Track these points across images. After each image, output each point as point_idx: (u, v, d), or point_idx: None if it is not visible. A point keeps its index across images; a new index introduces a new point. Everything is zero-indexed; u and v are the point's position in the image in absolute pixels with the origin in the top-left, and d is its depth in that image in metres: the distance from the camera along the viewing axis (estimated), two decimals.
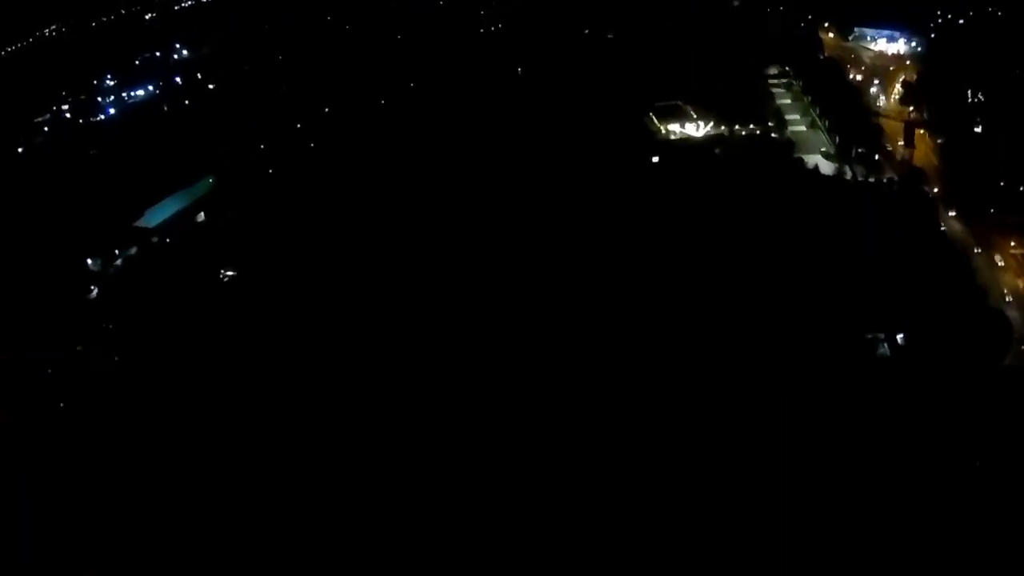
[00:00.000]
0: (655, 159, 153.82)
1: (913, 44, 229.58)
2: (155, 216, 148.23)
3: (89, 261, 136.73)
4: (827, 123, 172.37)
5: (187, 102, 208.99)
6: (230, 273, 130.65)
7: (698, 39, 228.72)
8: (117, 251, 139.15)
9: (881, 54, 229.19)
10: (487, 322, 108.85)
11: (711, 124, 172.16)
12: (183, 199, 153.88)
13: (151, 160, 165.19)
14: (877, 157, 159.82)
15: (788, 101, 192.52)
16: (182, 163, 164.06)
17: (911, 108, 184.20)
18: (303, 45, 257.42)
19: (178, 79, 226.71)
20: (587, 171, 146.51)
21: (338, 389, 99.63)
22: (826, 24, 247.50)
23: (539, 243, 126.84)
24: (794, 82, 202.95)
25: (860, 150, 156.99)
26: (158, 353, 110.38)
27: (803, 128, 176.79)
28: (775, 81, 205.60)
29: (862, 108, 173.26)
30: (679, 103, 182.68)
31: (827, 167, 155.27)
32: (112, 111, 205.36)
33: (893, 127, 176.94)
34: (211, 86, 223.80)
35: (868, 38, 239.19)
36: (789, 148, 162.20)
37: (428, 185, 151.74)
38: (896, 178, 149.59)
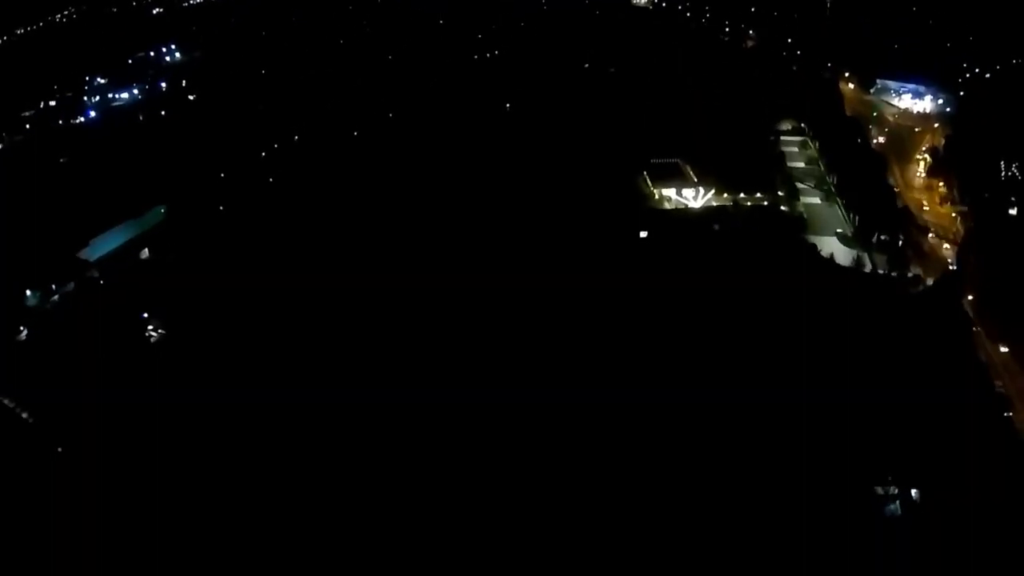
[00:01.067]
0: (644, 234, 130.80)
1: (940, 102, 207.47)
2: (101, 246, 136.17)
3: (28, 292, 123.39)
4: (844, 199, 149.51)
5: (163, 112, 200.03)
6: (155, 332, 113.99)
7: (705, 83, 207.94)
8: (54, 286, 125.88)
9: (906, 112, 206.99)
10: None
11: (712, 192, 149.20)
12: (131, 229, 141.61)
13: (113, 178, 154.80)
14: (901, 243, 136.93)
15: (801, 164, 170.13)
16: (141, 185, 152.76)
17: (940, 184, 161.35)
18: (293, 59, 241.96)
19: (163, 84, 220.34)
20: (567, 249, 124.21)
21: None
22: (846, 73, 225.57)
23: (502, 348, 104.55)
24: (809, 142, 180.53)
25: (883, 237, 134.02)
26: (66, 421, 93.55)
27: (817, 200, 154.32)
28: (788, 138, 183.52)
29: (885, 184, 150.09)
30: (678, 162, 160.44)
31: (843, 254, 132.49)
32: (92, 114, 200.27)
33: (920, 204, 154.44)
34: (191, 96, 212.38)
35: (892, 92, 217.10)
36: (800, 227, 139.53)
37: (390, 250, 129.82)
38: (924, 277, 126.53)
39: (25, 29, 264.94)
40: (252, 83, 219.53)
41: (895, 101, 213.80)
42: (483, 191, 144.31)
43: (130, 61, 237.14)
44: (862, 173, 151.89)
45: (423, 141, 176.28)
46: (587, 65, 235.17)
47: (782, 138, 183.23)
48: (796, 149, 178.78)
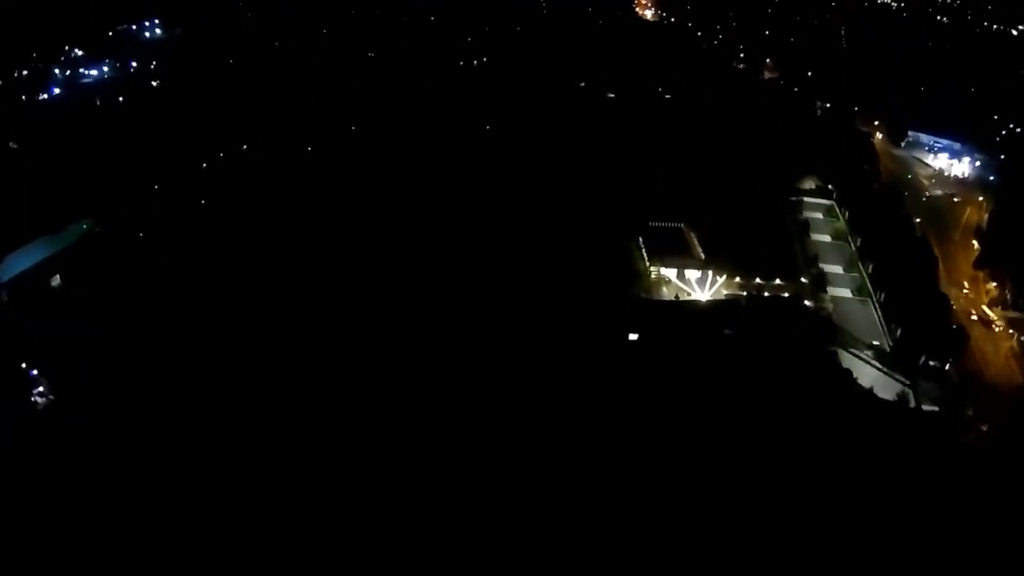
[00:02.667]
0: (633, 336, 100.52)
1: (978, 164, 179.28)
2: (14, 264, 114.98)
3: None
4: (881, 296, 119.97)
5: (120, 99, 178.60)
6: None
7: (715, 119, 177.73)
8: None
9: (942, 176, 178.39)
10: None
11: (723, 278, 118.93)
12: (47, 247, 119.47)
13: (46, 178, 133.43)
14: (948, 367, 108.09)
15: (828, 238, 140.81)
16: (72, 190, 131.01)
17: (990, 282, 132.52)
18: (271, 49, 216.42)
19: (133, 63, 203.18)
20: (531, 357, 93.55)
21: None
22: (875, 122, 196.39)
23: None
24: (836, 209, 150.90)
25: (931, 363, 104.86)
26: None
27: (848, 292, 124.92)
28: (811, 200, 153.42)
29: (934, 286, 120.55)
30: (681, 227, 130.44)
31: (882, 383, 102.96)
32: (56, 90, 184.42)
33: (967, 311, 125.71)
34: (154, 83, 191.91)
35: (924, 147, 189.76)
36: (830, 333, 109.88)
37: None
38: (980, 425, 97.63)
39: None
40: (223, 73, 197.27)
41: (929, 159, 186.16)
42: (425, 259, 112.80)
43: (111, 34, 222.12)
44: (903, 266, 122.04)
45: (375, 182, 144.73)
46: (582, 84, 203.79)
47: (805, 199, 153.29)
48: (821, 216, 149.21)
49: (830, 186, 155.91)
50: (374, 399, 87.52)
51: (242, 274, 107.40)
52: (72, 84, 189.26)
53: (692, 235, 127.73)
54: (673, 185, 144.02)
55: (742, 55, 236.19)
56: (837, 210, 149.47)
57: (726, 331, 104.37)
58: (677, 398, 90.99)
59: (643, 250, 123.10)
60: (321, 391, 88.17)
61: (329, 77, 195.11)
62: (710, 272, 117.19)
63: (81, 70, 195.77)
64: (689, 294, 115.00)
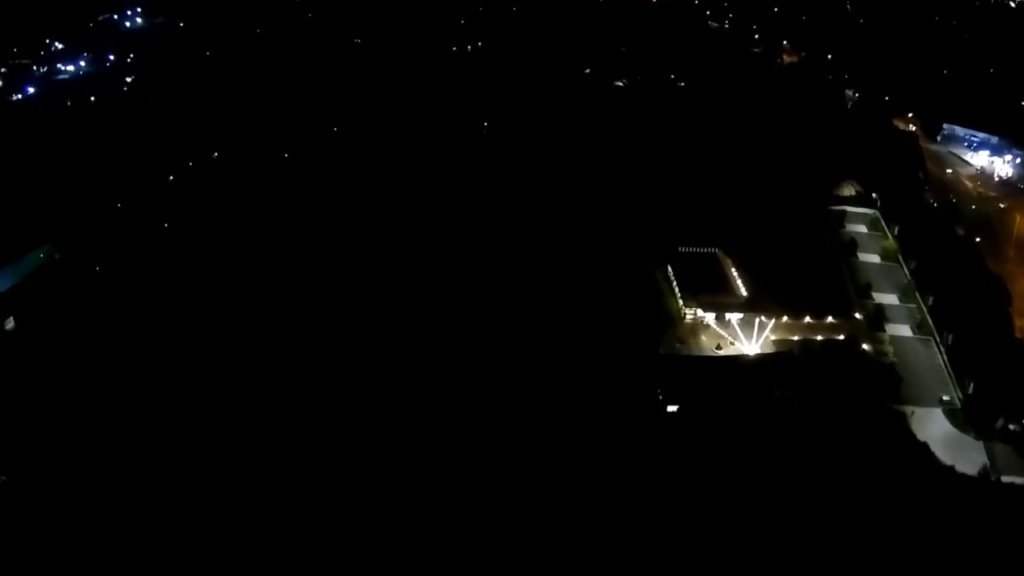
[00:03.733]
0: (672, 408, 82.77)
1: (1019, 161, 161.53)
2: None
3: None
4: (949, 339, 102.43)
5: (92, 98, 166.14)
6: None
7: (737, 113, 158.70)
8: None
9: (983, 176, 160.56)
10: None
11: (771, 316, 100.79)
12: (3, 279, 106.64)
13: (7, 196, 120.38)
14: None
15: (876, 259, 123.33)
16: (34, 211, 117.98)
17: None
18: (249, 38, 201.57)
19: (110, 57, 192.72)
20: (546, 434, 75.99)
21: None
22: (908, 114, 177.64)
23: None
24: (880, 220, 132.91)
25: (1011, 427, 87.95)
26: None
27: (907, 330, 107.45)
28: (853, 210, 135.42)
29: (1008, 331, 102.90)
30: (716, 253, 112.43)
31: (956, 447, 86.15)
32: (31, 90, 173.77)
33: None
34: (128, 79, 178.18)
35: (962, 142, 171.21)
36: (894, 388, 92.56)
37: None
38: None
39: None
40: (202, 66, 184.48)
41: (968, 156, 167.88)
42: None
43: (92, 25, 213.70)
44: (971, 302, 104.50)
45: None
46: (587, 71, 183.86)
47: (847, 208, 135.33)
48: (865, 230, 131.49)
49: (874, 194, 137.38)
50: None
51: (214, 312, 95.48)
52: (48, 81, 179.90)
53: (728, 262, 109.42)
54: (698, 195, 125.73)
55: (756, 37, 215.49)
56: (883, 224, 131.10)
57: (778, 392, 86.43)
58: (728, 487, 73.87)
59: (673, 283, 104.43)
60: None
61: (313, 70, 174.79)
62: (757, 318, 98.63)
63: (59, 65, 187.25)
64: (732, 342, 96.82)
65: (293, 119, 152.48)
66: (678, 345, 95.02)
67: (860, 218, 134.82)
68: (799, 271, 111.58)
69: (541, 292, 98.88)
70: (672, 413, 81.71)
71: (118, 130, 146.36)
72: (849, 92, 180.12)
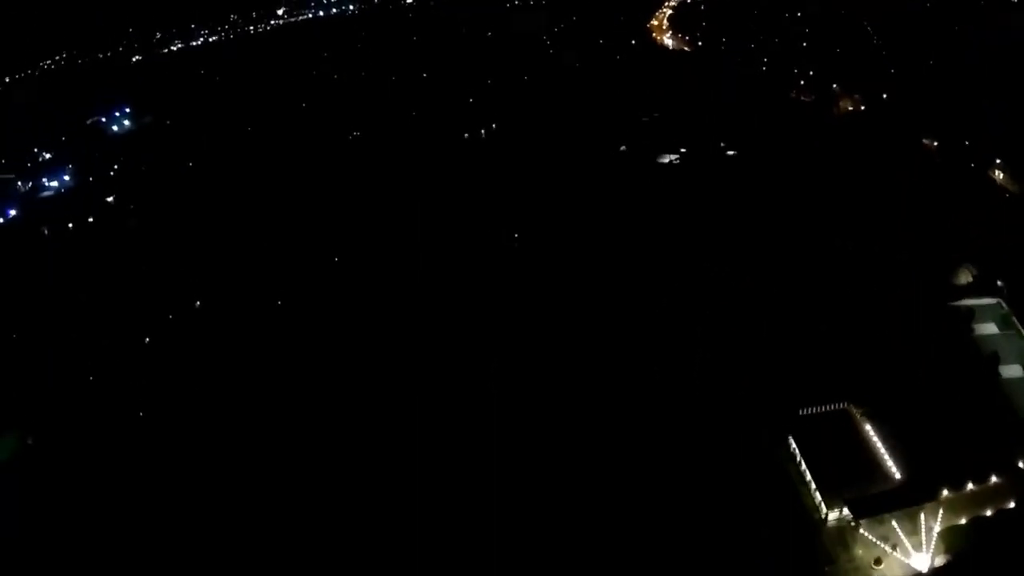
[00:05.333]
0: None
1: None
2: None
3: None
4: None
5: (71, 225, 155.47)
6: None
7: (813, 192, 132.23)
8: None
9: None
10: None
11: (923, 492, 73.06)
12: None
13: None
14: None
15: (1018, 372, 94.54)
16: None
17: None
18: (238, 137, 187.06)
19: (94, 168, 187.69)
20: None
21: None
22: (996, 160, 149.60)
23: None
24: (1012, 317, 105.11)
25: None
26: None
27: None
28: (975, 303, 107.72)
29: None
30: (846, 408, 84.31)
31: None
32: (12, 212, 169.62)
33: None
34: (109, 199, 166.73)
35: None
36: None
37: None
38: None
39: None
40: (188, 176, 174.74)
41: None
42: None
43: (81, 128, 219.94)
44: None
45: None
46: (623, 148, 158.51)
47: (968, 304, 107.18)
48: (996, 329, 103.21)
49: (999, 281, 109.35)
50: None
51: None
52: (30, 200, 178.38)
53: (864, 422, 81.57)
54: (796, 312, 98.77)
55: (801, 83, 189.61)
56: (1016, 321, 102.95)
57: None
58: None
59: (802, 467, 76.77)
60: None
61: (306, 180, 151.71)
62: (920, 513, 70.78)
63: (44, 179, 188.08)
64: (893, 547, 68.96)
65: (285, 251, 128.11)
66: (826, 568, 67.19)
67: (988, 314, 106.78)
68: (943, 410, 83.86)
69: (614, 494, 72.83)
70: None
71: (92, 275, 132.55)
72: (926, 141, 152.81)
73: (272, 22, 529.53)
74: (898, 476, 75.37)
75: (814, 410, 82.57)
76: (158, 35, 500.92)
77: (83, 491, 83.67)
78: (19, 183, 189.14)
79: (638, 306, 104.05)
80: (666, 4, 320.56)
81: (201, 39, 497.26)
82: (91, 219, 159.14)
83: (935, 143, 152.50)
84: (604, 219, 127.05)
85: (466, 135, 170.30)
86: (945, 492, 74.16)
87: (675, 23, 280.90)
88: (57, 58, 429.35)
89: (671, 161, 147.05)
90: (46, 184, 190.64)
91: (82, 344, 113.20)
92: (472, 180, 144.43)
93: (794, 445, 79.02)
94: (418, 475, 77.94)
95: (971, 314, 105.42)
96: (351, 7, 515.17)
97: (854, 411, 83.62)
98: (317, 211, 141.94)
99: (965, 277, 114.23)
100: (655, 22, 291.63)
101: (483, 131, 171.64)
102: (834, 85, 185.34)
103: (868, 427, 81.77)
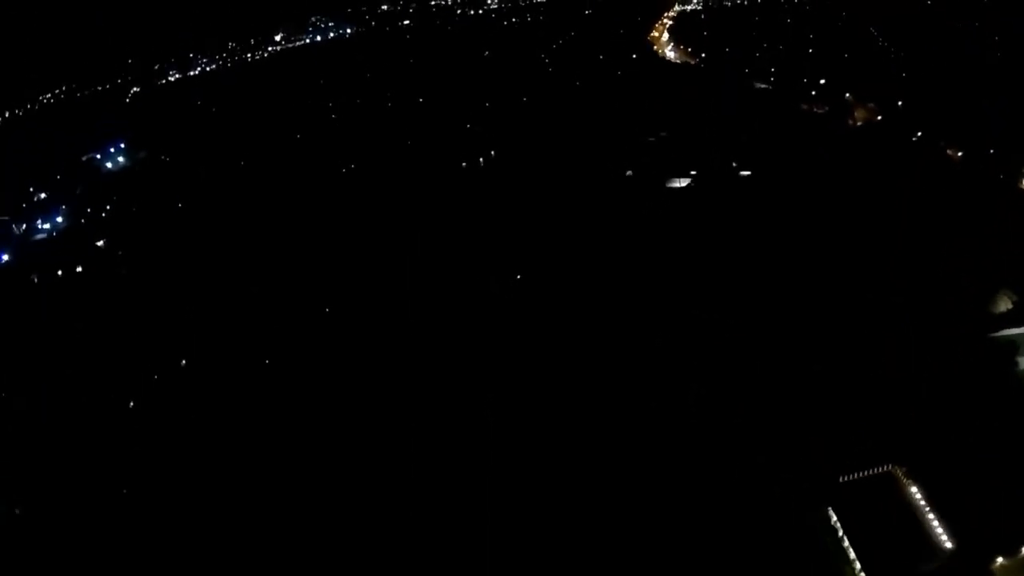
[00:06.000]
0: None
1: None
2: None
3: None
4: None
5: (59, 272, 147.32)
6: None
7: (839, 216, 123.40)
8: None
9: None
10: None
11: (976, 566, 64.49)
12: None
13: None
14: None
15: None
16: None
17: None
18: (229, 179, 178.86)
19: (80, 222, 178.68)
20: None
21: None
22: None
23: None
24: None
25: None
26: None
27: None
28: (1014, 334, 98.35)
29: None
30: (891, 471, 76.13)
31: None
32: (5, 257, 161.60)
33: None
34: (99, 244, 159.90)
35: None
36: None
37: None
38: None
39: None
40: (177, 221, 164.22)
41: None
42: None
43: (76, 163, 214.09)
44: None
45: None
46: (629, 173, 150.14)
47: (1007, 335, 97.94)
48: None
49: None
50: None
51: None
52: (24, 244, 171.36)
53: (910, 486, 72.72)
54: (827, 364, 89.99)
55: (813, 93, 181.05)
56: None
57: None
58: None
59: (844, 544, 67.97)
60: None
61: (300, 222, 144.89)
62: None
63: (38, 221, 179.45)
64: None
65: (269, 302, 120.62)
66: None
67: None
68: (989, 462, 74.93)
69: None
70: None
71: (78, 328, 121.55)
72: (950, 152, 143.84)
73: (270, 48, 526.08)
74: (948, 546, 66.63)
75: (856, 475, 73.57)
76: (157, 66, 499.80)
77: None
78: (14, 225, 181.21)
79: (655, 357, 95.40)
80: (666, 15, 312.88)
81: (199, 68, 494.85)
82: (80, 268, 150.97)
83: (959, 152, 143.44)
84: (614, 256, 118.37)
85: (464, 164, 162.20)
86: (1000, 560, 65.57)
87: (676, 34, 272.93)
88: (57, 91, 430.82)
89: (682, 186, 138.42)
90: (39, 227, 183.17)
91: (67, 408, 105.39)
92: (470, 215, 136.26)
93: (834, 517, 70.14)
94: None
95: (1013, 347, 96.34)
96: (348, 30, 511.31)
97: (899, 473, 74.62)
98: (310, 257, 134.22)
99: (1004, 304, 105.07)
100: (655, 33, 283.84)
101: (481, 159, 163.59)
102: (847, 94, 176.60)
103: (914, 489, 72.89)
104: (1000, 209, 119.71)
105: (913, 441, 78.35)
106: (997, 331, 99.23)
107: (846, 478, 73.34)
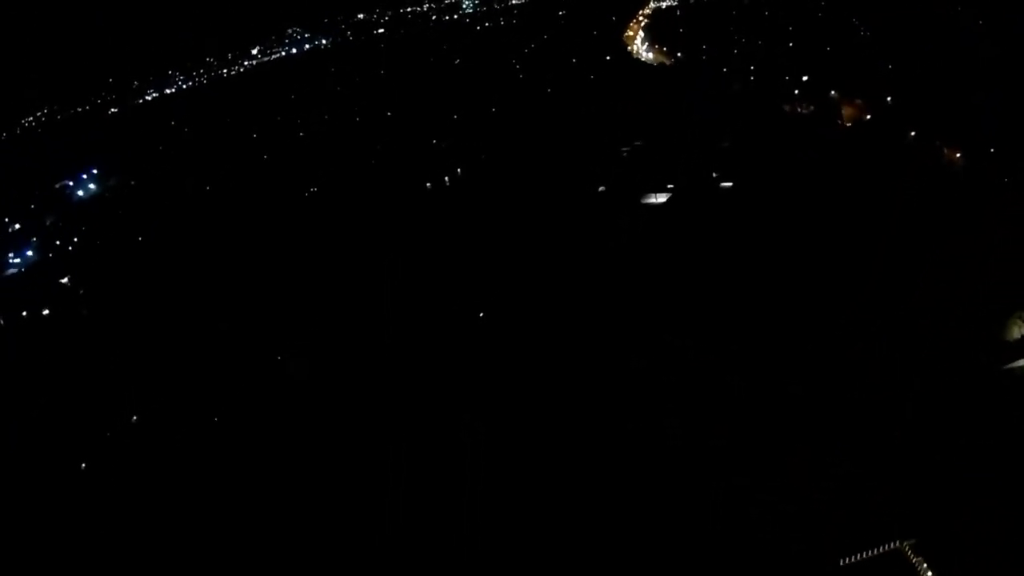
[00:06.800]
0: None
1: None
2: None
3: None
4: None
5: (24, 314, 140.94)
6: None
7: (829, 239, 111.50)
8: None
9: None
10: None
11: None
12: None
13: None
14: None
15: None
16: None
17: None
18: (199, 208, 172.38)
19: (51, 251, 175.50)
20: None
21: None
22: None
23: None
24: None
25: None
26: None
27: None
28: None
29: None
30: (900, 547, 64.20)
31: None
32: None
33: None
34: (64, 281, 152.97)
35: None
36: None
37: None
38: None
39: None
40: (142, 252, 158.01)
41: None
42: None
43: (59, 185, 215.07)
44: None
45: None
46: (602, 189, 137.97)
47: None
48: None
49: None
50: None
51: None
52: None
53: (924, 564, 60.82)
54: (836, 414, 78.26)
55: (797, 92, 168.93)
56: None
57: None
58: None
59: None
60: None
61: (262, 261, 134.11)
62: None
63: (9, 255, 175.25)
64: None
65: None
66: None
67: None
68: (1009, 523, 63.28)
69: None
70: None
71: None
72: (948, 151, 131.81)
73: (246, 63, 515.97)
74: None
75: (857, 558, 61.68)
76: (135, 83, 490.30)
77: None
78: None
79: (628, 389, 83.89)
80: (641, 12, 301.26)
81: (175, 86, 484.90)
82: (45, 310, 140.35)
83: (957, 153, 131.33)
84: (587, 280, 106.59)
85: (428, 184, 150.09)
86: None
87: (653, 33, 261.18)
88: (38, 114, 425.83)
89: (658, 201, 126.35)
90: (11, 261, 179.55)
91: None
92: (432, 240, 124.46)
93: None
94: None
95: None
96: (323, 41, 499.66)
97: (906, 549, 62.65)
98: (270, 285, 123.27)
99: (1018, 330, 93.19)
100: (630, 33, 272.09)
101: (447, 179, 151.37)
102: (832, 91, 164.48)
103: (925, 566, 61.09)
104: (1009, 218, 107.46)
105: (921, 509, 66.42)
106: (1012, 362, 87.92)
107: (846, 561, 61.36)
